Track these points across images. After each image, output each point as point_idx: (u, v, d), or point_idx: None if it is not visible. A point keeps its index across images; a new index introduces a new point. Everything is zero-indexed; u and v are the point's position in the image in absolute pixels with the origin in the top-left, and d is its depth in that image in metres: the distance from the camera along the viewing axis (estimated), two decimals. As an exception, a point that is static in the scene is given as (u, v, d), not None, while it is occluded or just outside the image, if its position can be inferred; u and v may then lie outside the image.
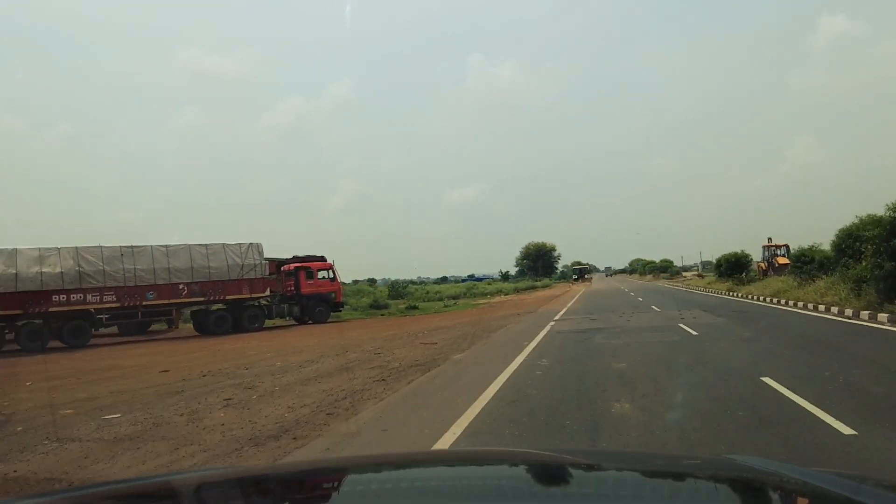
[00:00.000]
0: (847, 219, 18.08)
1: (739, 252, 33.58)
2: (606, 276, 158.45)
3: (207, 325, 24.60)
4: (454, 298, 51.30)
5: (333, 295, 27.44)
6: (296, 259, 27.54)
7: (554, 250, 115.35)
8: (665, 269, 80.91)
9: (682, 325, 14.81)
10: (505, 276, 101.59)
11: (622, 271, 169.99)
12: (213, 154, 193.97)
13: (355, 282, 78.99)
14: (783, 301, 20.21)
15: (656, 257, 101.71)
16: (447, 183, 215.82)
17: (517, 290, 62.90)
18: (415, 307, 39.29)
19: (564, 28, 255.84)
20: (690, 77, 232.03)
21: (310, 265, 27.05)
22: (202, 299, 24.50)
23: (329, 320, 27.72)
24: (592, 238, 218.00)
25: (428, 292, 58.25)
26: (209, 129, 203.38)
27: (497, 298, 45.08)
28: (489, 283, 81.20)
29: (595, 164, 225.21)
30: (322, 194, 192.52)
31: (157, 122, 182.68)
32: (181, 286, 23.99)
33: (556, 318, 20.44)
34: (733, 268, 32.93)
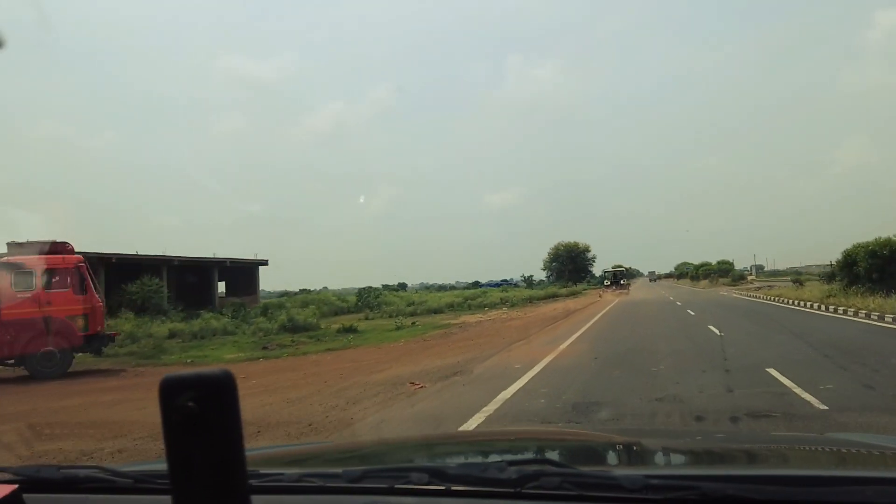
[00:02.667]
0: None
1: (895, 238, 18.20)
2: (650, 280, 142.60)
3: None
4: (435, 312, 37.16)
5: (81, 321, 13.51)
6: (14, 248, 13.81)
7: (587, 251, 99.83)
8: (725, 272, 64.44)
9: None
10: (529, 281, 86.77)
11: (668, 276, 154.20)
12: (253, 159, 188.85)
13: (369, 288, 65.99)
14: None
15: (703, 261, 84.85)
16: (486, 186, 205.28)
17: (531, 300, 48.27)
18: (353, 329, 25.35)
19: (605, 28, 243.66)
20: (737, 77, 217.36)
21: (21, 260, 13.24)
22: None
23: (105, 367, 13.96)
24: (635, 241, 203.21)
25: (413, 303, 44.13)
26: (249, 134, 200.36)
27: (482, 316, 30.59)
28: (504, 290, 67.18)
29: (638, 165, 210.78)
30: (361, 199, 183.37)
31: (198, 129, 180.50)
32: None
33: (491, 407, 6.11)
34: (884, 268, 17.62)
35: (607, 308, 29.17)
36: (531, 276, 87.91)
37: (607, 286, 48.71)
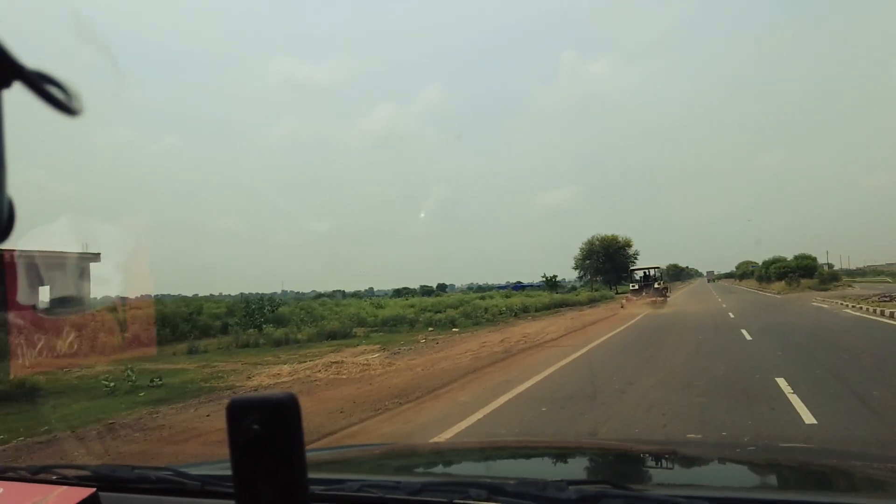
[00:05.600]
0: None
1: None
2: (708, 281, 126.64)
3: None
4: (332, 337, 22.74)
5: None
6: None
7: (628, 246, 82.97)
8: (808, 270, 46.85)
9: None
10: (551, 283, 71.06)
11: (728, 276, 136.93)
12: (310, 161, 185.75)
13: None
14: None
15: (774, 256, 66.27)
16: (538, 185, 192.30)
17: (520, 312, 33.27)
18: None
19: (662, 21, 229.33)
20: (801, 70, 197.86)
21: None
22: None
23: None
24: (692, 240, 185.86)
25: (330, 316, 29.69)
26: (306, 136, 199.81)
27: (357, 356, 15.58)
28: (507, 295, 52.58)
29: (697, 162, 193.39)
30: (413, 199, 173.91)
31: (256, 131, 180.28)
32: None
33: None
34: None
35: (587, 348, 13.91)
36: (554, 276, 71.82)
37: (634, 291, 32.95)
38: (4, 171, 0.42)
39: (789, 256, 57.12)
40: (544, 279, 72.89)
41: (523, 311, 34.90)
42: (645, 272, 35.13)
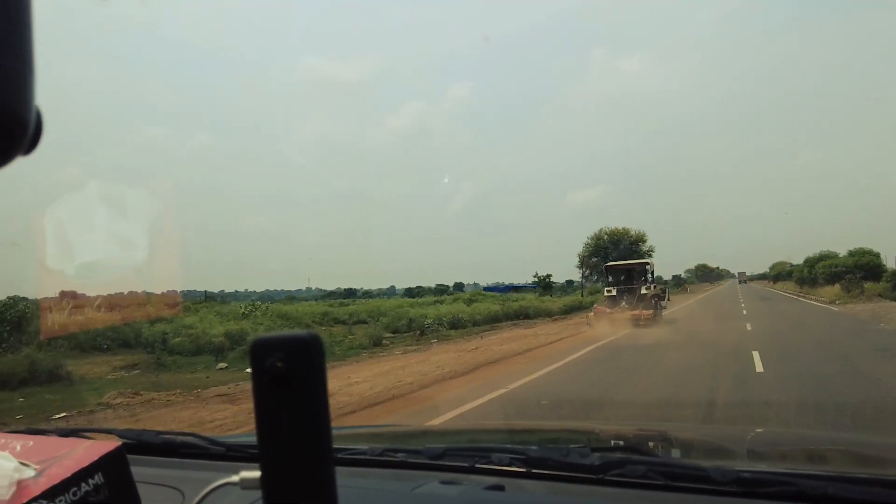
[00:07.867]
0: None
1: None
2: (739, 282, 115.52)
3: None
4: (46, 384, 11.95)
5: None
6: None
7: (642, 241, 70.48)
8: (870, 271, 34.35)
9: None
10: (544, 284, 59.87)
11: (761, 277, 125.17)
12: (337, 158, 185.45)
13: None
14: None
15: (822, 251, 53.05)
16: (567, 183, 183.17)
17: (422, 331, 22.40)
18: None
19: (695, 18, 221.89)
20: (836, 68, 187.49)
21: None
22: None
23: None
24: (725, 240, 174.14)
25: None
26: (334, 134, 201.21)
27: None
28: (473, 298, 42.02)
29: (730, 161, 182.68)
30: (441, 197, 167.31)
31: (285, 129, 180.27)
32: None
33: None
34: None
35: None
36: (547, 275, 60.42)
37: (611, 299, 21.47)
38: (33, 78, 0.39)
39: (841, 252, 44.76)
40: (536, 279, 61.54)
41: (452, 327, 23.93)
42: (628, 269, 23.39)
